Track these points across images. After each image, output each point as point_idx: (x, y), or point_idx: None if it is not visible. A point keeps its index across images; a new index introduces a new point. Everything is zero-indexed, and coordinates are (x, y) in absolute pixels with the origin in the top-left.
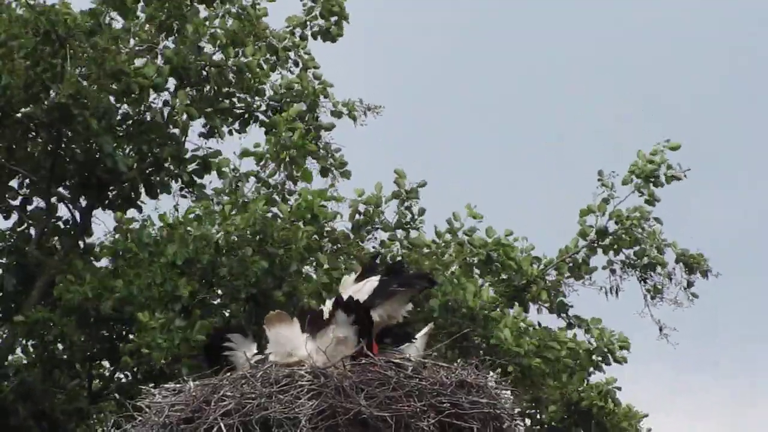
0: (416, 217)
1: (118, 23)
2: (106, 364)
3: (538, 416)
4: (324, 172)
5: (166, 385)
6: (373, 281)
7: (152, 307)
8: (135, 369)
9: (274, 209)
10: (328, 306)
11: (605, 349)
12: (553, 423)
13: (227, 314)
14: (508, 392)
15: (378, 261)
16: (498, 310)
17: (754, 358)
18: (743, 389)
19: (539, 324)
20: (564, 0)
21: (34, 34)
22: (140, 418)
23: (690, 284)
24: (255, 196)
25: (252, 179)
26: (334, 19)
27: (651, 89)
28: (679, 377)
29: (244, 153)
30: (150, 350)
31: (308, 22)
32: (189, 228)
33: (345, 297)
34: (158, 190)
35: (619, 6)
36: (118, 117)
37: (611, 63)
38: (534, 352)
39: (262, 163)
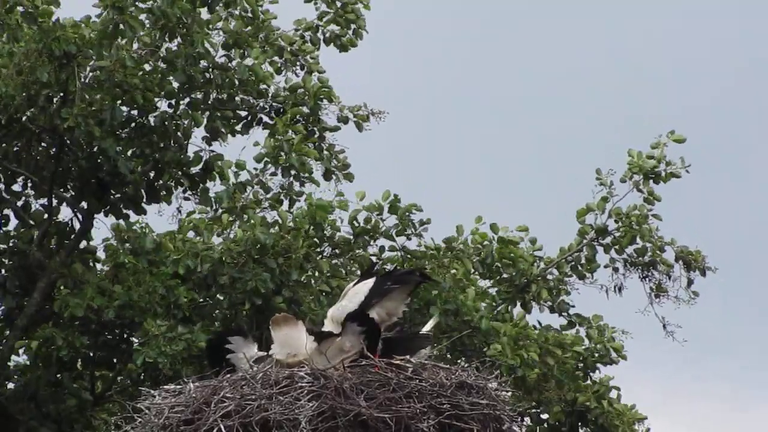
0: (417, 228)
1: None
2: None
3: (540, 417)
4: (327, 174)
5: (166, 387)
6: (368, 282)
7: (153, 313)
8: (141, 376)
9: (274, 213)
10: (329, 314)
11: (603, 348)
12: (556, 423)
13: (228, 318)
14: (508, 393)
15: (376, 268)
16: (498, 311)
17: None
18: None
19: (539, 323)
20: (568, 5)
21: (49, 59)
22: (140, 419)
23: (690, 282)
24: (252, 203)
25: (249, 189)
26: (351, 27)
27: (654, 91)
28: (679, 377)
29: (239, 166)
30: (156, 358)
31: (321, 27)
32: (191, 235)
33: (346, 303)
34: (161, 193)
35: (625, 10)
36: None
37: (615, 66)
38: (534, 362)
39: (261, 166)
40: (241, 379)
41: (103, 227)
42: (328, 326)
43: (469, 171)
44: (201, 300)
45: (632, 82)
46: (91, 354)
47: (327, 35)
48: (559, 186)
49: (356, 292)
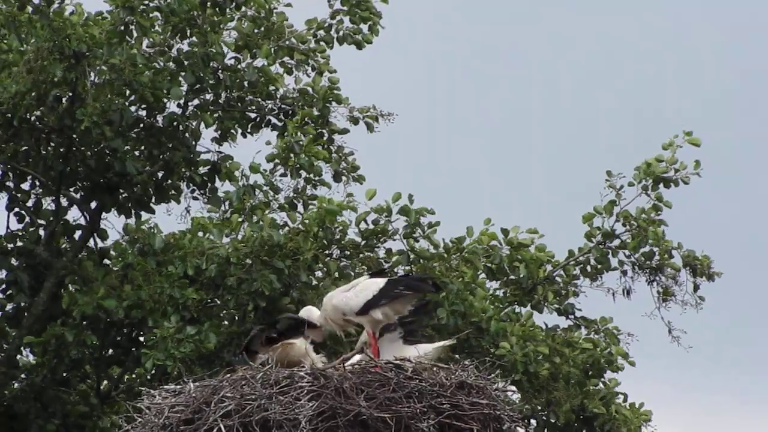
0: (426, 230)
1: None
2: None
3: (545, 419)
4: (336, 176)
5: (166, 387)
6: (379, 282)
7: (161, 312)
8: (149, 378)
9: (283, 215)
10: (332, 299)
11: (609, 354)
12: (565, 425)
13: (236, 319)
14: (512, 394)
15: (387, 270)
16: (506, 312)
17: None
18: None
19: (546, 325)
20: (570, 7)
21: (60, 58)
22: (140, 419)
23: (696, 287)
24: (262, 204)
25: (258, 192)
26: (367, 24)
27: (661, 96)
28: (685, 379)
29: (253, 168)
30: (165, 361)
31: (334, 26)
32: (201, 235)
33: (352, 296)
34: (170, 193)
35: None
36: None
37: (616, 66)
38: (544, 358)
39: (271, 167)
40: (241, 379)
41: (115, 228)
42: (324, 311)
43: (471, 171)
44: (209, 300)
45: (633, 81)
46: (101, 353)
47: (340, 33)
48: (560, 185)
49: (364, 288)
